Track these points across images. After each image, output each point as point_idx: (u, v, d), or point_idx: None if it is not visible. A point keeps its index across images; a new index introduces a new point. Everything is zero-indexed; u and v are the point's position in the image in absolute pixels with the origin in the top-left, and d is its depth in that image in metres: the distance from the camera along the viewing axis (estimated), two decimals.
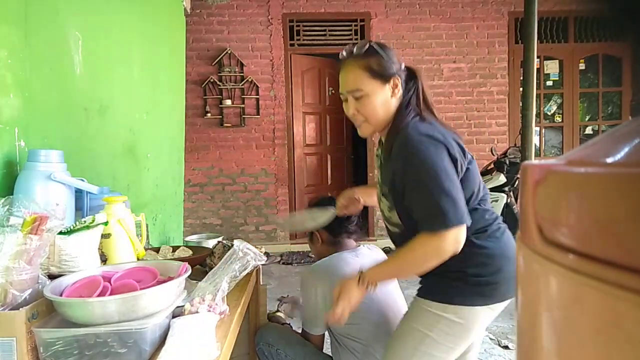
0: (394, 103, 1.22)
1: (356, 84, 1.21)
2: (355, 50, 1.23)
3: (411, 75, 1.25)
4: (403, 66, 1.25)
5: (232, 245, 1.30)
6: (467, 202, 1.16)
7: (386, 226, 1.35)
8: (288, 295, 1.99)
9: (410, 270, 1.18)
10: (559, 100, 5.53)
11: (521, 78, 4.66)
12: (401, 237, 1.25)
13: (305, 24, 5.16)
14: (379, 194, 1.34)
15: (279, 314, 1.88)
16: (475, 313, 1.17)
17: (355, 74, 1.21)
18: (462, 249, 1.11)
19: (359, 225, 1.69)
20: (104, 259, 1.23)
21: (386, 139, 1.24)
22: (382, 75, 1.19)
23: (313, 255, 1.79)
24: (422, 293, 1.24)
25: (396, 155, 1.16)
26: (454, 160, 1.13)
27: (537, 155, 5.34)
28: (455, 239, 1.07)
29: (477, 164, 1.26)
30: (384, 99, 1.21)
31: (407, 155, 1.13)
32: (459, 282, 1.17)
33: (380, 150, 1.31)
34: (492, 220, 1.23)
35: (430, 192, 1.08)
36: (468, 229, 1.12)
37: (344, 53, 1.26)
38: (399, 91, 1.22)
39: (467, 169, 1.18)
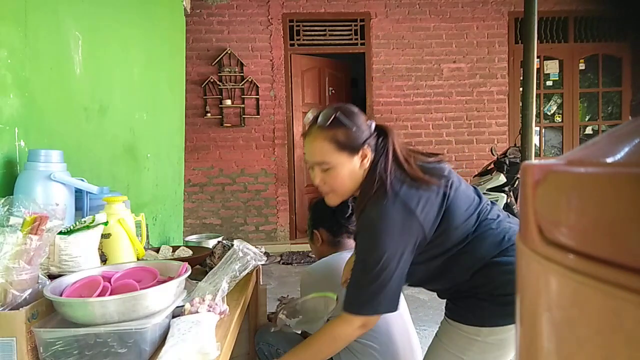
0: (362, 173, 1.16)
1: (322, 157, 1.14)
2: (320, 119, 1.15)
3: (382, 135, 1.18)
4: (373, 127, 1.19)
5: (232, 245, 1.30)
6: (471, 227, 1.15)
7: None
8: (288, 296, 1.98)
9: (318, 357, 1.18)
10: (559, 100, 5.53)
11: (521, 78, 4.66)
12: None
13: (305, 24, 5.16)
14: None
15: (280, 316, 1.88)
16: (508, 332, 1.14)
17: (321, 146, 1.14)
18: (489, 271, 1.12)
19: None
20: (104, 259, 1.23)
21: (358, 205, 1.18)
22: (350, 147, 1.13)
23: (313, 255, 1.79)
24: (453, 316, 1.21)
25: (359, 229, 1.16)
26: (418, 235, 1.10)
27: (537, 155, 5.34)
28: (362, 324, 1.10)
29: (466, 182, 1.22)
30: (351, 171, 1.15)
31: (360, 237, 1.13)
32: (488, 304, 1.14)
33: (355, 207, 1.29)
34: (503, 232, 1.17)
35: (361, 277, 1.09)
36: (488, 253, 1.12)
37: (310, 118, 1.19)
38: (369, 160, 1.15)
39: (449, 204, 1.13)
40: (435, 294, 1.33)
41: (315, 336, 1.17)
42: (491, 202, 1.25)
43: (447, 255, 1.16)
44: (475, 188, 1.26)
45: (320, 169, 1.17)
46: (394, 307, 1.11)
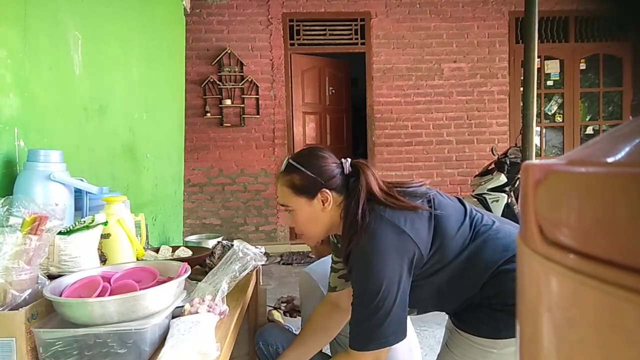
0: (326, 216, 1.16)
1: (283, 200, 1.19)
2: (282, 165, 1.20)
3: (356, 174, 1.17)
4: (348, 165, 1.18)
5: (232, 245, 1.30)
6: (467, 235, 1.14)
7: None
8: (288, 295, 1.99)
9: None
10: (559, 100, 5.53)
11: (522, 78, 4.66)
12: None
13: (305, 23, 5.16)
14: None
15: (276, 312, 1.89)
16: None
17: (281, 191, 1.19)
18: (499, 279, 1.10)
19: None
20: (103, 259, 1.23)
21: (342, 245, 1.17)
22: (307, 192, 1.15)
23: (313, 255, 1.79)
24: (465, 327, 1.18)
25: (350, 268, 1.14)
26: (414, 253, 1.08)
27: (538, 155, 5.34)
28: (373, 359, 1.08)
29: (449, 195, 1.22)
30: (311, 214, 1.16)
31: (354, 271, 1.11)
32: (502, 314, 1.11)
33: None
34: (505, 237, 1.15)
35: (362, 312, 1.07)
36: (493, 260, 1.10)
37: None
38: (330, 204, 1.15)
39: (437, 217, 1.13)
40: None
41: None
42: (480, 212, 1.23)
43: (450, 268, 1.13)
44: (459, 199, 1.24)
45: (287, 212, 1.21)
46: (402, 336, 1.09)
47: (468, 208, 1.21)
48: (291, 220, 1.22)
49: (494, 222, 1.20)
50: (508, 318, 1.10)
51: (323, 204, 1.16)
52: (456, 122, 5.32)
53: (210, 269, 1.31)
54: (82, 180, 1.44)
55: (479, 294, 1.14)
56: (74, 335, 0.81)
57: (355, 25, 5.20)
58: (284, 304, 1.93)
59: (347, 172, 1.18)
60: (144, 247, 1.36)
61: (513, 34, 5.32)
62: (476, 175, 4.46)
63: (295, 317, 1.90)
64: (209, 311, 1.01)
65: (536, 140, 5.32)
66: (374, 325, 1.05)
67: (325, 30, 5.19)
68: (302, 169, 1.16)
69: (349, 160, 1.20)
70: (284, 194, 1.18)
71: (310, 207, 1.16)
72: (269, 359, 1.61)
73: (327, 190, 1.15)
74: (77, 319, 0.83)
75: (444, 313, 1.28)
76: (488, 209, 3.96)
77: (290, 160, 1.18)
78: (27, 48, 1.48)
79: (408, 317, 1.66)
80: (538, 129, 5.39)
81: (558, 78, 5.48)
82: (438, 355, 1.26)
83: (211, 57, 4.99)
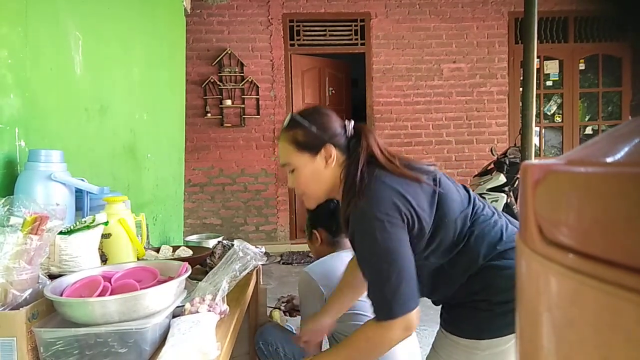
0: (329, 174, 1.13)
1: (285, 158, 1.16)
2: (284, 122, 1.17)
3: (358, 135, 1.15)
4: (351, 127, 1.16)
5: (232, 245, 1.30)
6: (468, 220, 1.11)
7: None
8: (288, 295, 1.99)
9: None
10: (559, 100, 5.53)
11: (521, 78, 4.66)
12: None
13: (305, 24, 5.16)
14: None
15: (276, 313, 1.89)
16: (509, 343, 1.09)
17: (283, 148, 1.15)
18: (485, 274, 1.08)
19: None
20: (104, 259, 1.23)
21: (342, 208, 1.14)
22: (310, 147, 1.12)
23: (312, 255, 1.79)
24: (449, 328, 1.16)
25: (351, 233, 1.10)
26: (415, 220, 1.05)
27: (537, 155, 5.35)
28: (405, 326, 1.03)
29: (455, 183, 1.18)
30: (314, 171, 1.13)
31: (356, 237, 1.07)
32: (486, 313, 1.09)
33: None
34: (500, 230, 1.13)
35: (375, 281, 1.03)
36: (486, 252, 1.08)
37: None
38: (334, 161, 1.12)
39: (440, 195, 1.09)
40: None
41: (354, 345, 1.10)
42: (483, 202, 1.20)
43: (445, 252, 1.11)
44: (464, 186, 1.21)
45: (288, 171, 1.17)
46: (417, 299, 1.04)
47: (472, 196, 1.18)
48: (292, 182, 1.18)
49: (493, 213, 1.17)
50: (492, 318, 1.08)
51: (326, 161, 1.12)
52: (456, 122, 5.32)
53: (211, 268, 1.32)
54: (82, 180, 1.44)
55: (465, 287, 1.11)
56: (75, 334, 0.81)
57: (355, 25, 5.20)
58: (284, 304, 1.94)
59: (350, 134, 1.15)
60: (144, 247, 1.37)
61: (512, 35, 5.32)
62: (475, 175, 4.46)
63: (295, 316, 1.90)
64: (209, 310, 1.01)
65: (535, 140, 5.33)
66: (391, 288, 1.00)
67: (325, 30, 5.19)
68: (306, 124, 1.13)
69: (352, 122, 1.18)
70: (286, 152, 1.14)
71: (313, 164, 1.13)
72: (269, 358, 1.62)
73: (331, 146, 1.12)
74: (78, 319, 0.83)
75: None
76: None
77: (294, 116, 1.15)
78: (28, 48, 1.48)
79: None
80: (537, 129, 5.40)
81: (557, 78, 5.48)
82: (427, 357, 1.24)
83: (211, 57, 4.99)
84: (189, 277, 1.02)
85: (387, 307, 1.02)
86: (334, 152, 1.12)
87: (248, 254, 1.22)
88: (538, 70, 5.12)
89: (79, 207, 1.46)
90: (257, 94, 5.06)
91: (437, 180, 1.11)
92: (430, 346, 1.25)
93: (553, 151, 5.60)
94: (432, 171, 1.14)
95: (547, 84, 5.47)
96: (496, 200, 4.01)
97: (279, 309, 1.92)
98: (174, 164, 3.39)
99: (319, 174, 1.14)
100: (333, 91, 5.50)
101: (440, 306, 1.23)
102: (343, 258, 1.57)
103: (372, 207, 1.03)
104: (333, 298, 1.44)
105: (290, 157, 1.14)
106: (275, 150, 5.15)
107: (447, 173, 1.23)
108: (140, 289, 0.90)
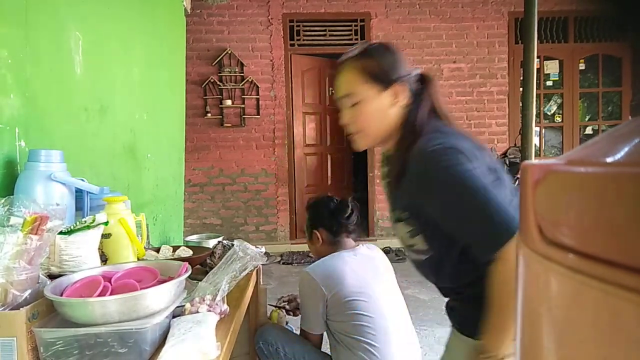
0: (394, 113, 1.05)
1: (349, 88, 1.06)
2: (354, 51, 1.08)
3: (423, 82, 1.09)
4: (416, 72, 1.09)
5: (232, 245, 1.30)
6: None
7: (407, 255, 1.14)
8: (289, 295, 1.99)
9: (512, 310, 0.99)
10: (559, 100, 5.53)
11: (521, 78, 4.66)
12: (431, 263, 1.06)
13: (305, 24, 5.16)
14: (393, 220, 1.12)
15: (275, 313, 1.89)
16: None
17: (348, 77, 1.06)
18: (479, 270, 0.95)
19: (358, 225, 1.69)
20: (104, 259, 1.23)
21: (396, 156, 1.05)
22: (380, 80, 1.04)
23: (312, 255, 1.79)
24: (463, 329, 1.05)
25: (415, 174, 0.97)
26: (485, 165, 0.95)
27: (537, 155, 5.34)
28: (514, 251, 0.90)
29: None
30: (380, 108, 1.04)
31: (430, 173, 0.94)
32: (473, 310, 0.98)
33: (387, 170, 1.12)
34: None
35: (470, 214, 0.90)
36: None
37: (344, 56, 1.11)
38: (402, 101, 1.04)
39: (499, 175, 0.98)
40: (435, 294, 1.28)
41: (499, 298, 0.90)
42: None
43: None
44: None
45: (348, 104, 1.07)
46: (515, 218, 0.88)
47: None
48: (350, 117, 1.07)
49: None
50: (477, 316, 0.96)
51: (393, 99, 1.04)
52: (456, 122, 5.32)
53: (211, 268, 1.32)
54: (82, 180, 1.44)
55: (475, 276, 0.98)
56: (75, 334, 0.81)
57: (355, 25, 5.20)
58: (286, 303, 1.94)
59: (415, 79, 1.08)
60: (144, 247, 1.37)
61: (512, 35, 5.32)
62: None
63: (298, 315, 1.90)
64: (209, 310, 1.01)
65: (535, 140, 5.32)
66: (487, 215, 0.87)
67: (325, 30, 5.19)
68: (383, 55, 1.05)
69: (419, 68, 1.11)
70: (352, 81, 1.05)
71: (379, 100, 1.04)
72: (269, 358, 1.62)
73: (402, 85, 1.04)
74: (78, 319, 0.83)
75: (444, 313, 1.25)
76: None
77: (372, 44, 1.07)
78: (28, 48, 1.48)
79: (409, 317, 1.66)
80: (537, 129, 5.40)
81: (557, 78, 5.48)
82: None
83: (211, 57, 4.99)
84: (189, 277, 1.02)
85: (498, 233, 0.86)
86: (403, 91, 1.05)
87: (248, 254, 1.23)
88: (538, 70, 5.11)
89: (79, 207, 1.46)
90: (257, 94, 5.06)
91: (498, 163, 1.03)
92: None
93: (553, 151, 5.60)
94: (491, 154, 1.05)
95: (547, 84, 5.47)
96: None
97: (283, 308, 1.92)
98: (174, 164, 3.39)
99: (384, 111, 1.05)
100: (333, 91, 5.50)
101: (451, 307, 1.13)
102: (344, 258, 1.57)
103: (437, 139, 0.95)
104: None
105: (356, 87, 1.05)
106: (275, 151, 5.15)
107: None
108: (141, 289, 0.90)
